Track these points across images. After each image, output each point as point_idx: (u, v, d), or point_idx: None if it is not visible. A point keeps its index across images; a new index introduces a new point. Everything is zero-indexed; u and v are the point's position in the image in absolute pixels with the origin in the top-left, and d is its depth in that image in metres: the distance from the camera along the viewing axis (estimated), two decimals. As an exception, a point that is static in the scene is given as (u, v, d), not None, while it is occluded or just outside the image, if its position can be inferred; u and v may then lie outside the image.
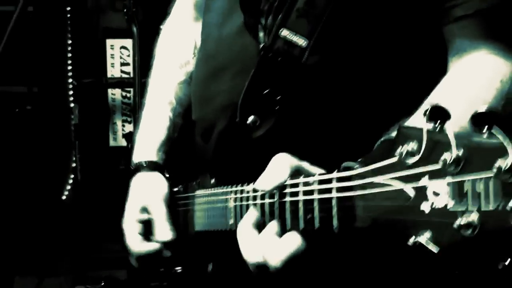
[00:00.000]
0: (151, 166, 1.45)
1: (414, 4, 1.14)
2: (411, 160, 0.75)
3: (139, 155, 1.48)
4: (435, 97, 1.08)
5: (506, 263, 0.71)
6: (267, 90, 1.16)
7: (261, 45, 1.18)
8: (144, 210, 1.39)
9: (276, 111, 1.16)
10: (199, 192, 1.32)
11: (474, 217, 0.69)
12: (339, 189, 0.87)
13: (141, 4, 3.29)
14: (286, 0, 1.16)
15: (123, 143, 3.62)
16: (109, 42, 3.79)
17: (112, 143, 3.79)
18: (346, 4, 1.14)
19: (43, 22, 3.58)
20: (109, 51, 3.80)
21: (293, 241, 0.97)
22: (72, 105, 3.54)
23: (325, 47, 1.15)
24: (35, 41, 3.57)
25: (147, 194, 1.40)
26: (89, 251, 3.50)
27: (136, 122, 3.46)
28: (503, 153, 0.67)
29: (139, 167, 1.45)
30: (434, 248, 0.73)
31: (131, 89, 3.69)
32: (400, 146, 0.76)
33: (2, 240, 3.44)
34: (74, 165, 3.50)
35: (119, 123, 3.80)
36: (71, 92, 3.58)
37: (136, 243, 1.39)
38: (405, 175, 0.76)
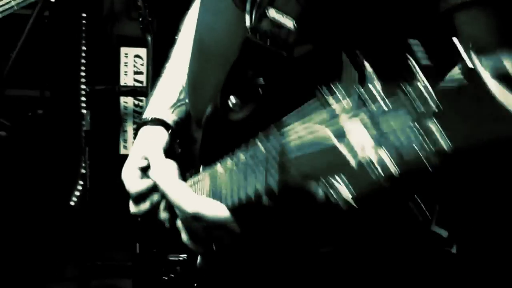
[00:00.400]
0: (156, 122, 1.45)
1: None
2: (338, 109, 0.77)
3: (147, 113, 1.49)
4: None
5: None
6: (250, 73, 1.12)
7: (247, 26, 1.13)
8: (143, 158, 1.40)
9: (259, 95, 1.12)
10: (188, 182, 1.32)
11: (390, 164, 0.69)
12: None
13: (157, 14, 3.29)
14: None
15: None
16: (123, 50, 3.79)
17: (122, 150, 3.79)
18: None
19: (58, 27, 3.59)
20: (123, 59, 3.80)
21: (221, 209, 1.04)
22: (84, 111, 3.54)
23: (315, 30, 1.09)
24: (50, 45, 3.57)
25: (147, 144, 1.42)
26: (95, 259, 3.48)
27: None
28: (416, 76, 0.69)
29: (145, 123, 1.46)
30: (349, 198, 0.73)
31: (144, 98, 3.70)
32: (333, 101, 0.78)
33: (6, 244, 3.43)
34: (83, 171, 3.50)
35: (130, 130, 3.80)
36: (83, 98, 3.58)
37: (133, 184, 1.39)
38: (330, 123, 0.78)
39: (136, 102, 3.81)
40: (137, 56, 3.80)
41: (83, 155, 3.46)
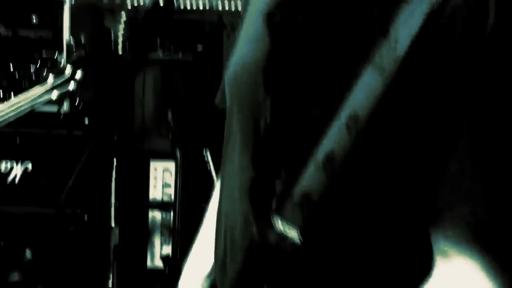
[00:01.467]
0: None
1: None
2: None
3: (181, 284, 1.47)
4: None
5: None
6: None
7: (251, 234, 1.11)
8: None
9: None
10: None
11: None
12: None
13: (185, 129, 3.39)
14: (283, 189, 1.08)
15: (160, 264, 3.63)
16: (153, 165, 3.88)
17: (149, 264, 3.80)
18: (340, 197, 1.06)
19: (90, 144, 3.69)
20: (152, 173, 3.88)
21: None
22: (113, 225, 3.58)
23: (319, 240, 1.08)
24: (82, 163, 3.66)
25: None
26: None
27: (174, 245, 3.49)
28: None
29: None
30: None
31: (171, 212, 3.74)
32: None
33: None
34: (110, 286, 3.50)
35: (157, 244, 3.83)
36: (113, 213, 3.63)
37: None
38: None
39: (164, 215, 3.86)
40: (166, 170, 3.88)
41: (111, 269, 3.48)
